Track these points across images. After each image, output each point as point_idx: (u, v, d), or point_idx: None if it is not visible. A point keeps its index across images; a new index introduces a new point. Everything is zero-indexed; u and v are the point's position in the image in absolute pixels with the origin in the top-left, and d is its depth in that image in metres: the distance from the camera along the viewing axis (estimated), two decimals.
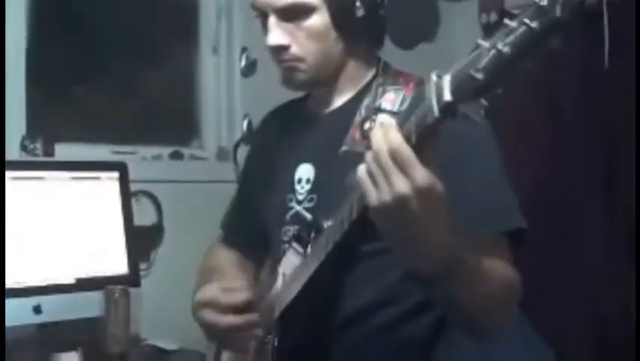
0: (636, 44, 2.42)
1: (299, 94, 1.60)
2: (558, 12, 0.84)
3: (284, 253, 1.46)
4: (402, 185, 0.98)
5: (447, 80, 0.94)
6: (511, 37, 0.87)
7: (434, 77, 0.96)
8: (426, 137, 0.99)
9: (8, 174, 1.90)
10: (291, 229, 1.47)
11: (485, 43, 0.89)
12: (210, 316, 1.45)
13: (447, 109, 0.94)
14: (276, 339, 1.47)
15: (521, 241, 1.31)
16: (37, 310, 1.90)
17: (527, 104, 2.77)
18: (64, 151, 2.31)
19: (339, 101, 1.49)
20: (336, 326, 1.42)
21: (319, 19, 1.40)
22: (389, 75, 1.45)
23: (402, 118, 1.04)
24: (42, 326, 1.94)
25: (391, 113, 1.34)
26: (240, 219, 1.72)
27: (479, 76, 0.89)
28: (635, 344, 2.36)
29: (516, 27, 0.87)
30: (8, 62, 2.26)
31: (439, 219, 1.03)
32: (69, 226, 1.99)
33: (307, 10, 1.40)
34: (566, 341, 2.39)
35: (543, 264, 2.57)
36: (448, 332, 1.42)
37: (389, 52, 1.51)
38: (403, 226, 1.03)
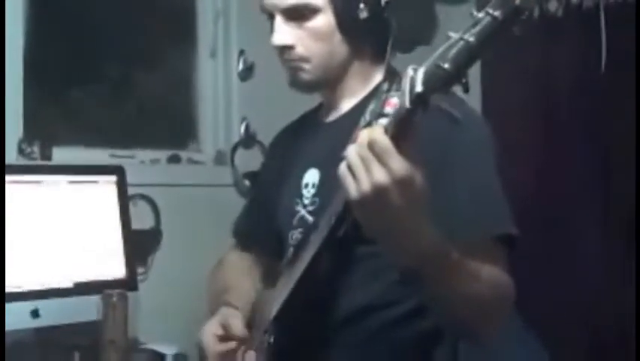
0: (636, 45, 2.43)
1: (301, 104, 1.61)
2: (518, 0, 0.88)
3: (291, 255, 1.47)
4: (380, 175, 1.00)
5: (420, 72, 0.96)
6: (477, 28, 0.91)
7: (410, 71, 0.98)
8: (402, 128, 1.01)
9: (5, 178, 1.89)
10: (298, 233, 1.48)
11: (455, 35, 0.93)
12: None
13: (418, 100, 0.96)
14: (272, 338, 1.48)
15: (513, 246, 1.31)
16: (35, 314, 1.89)
17: (524, 107, 2.78)
18: (61, 155, 2.30)
19: (346, 106, 1.50)
20: (332, 326, 1.43)
21: (324, 20, 1.41)
22: (395, 80, 1.45)
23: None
24: (40, 330, 1.94)
25: None
26: (252, 226, 1.72)
27: (447, 66, 0.93)
28: (630, 349, 2.37)
29: (482, 18, 0.91)
30: (4, 65, 2.25)
31: (419, 211, 1.05)
32: (67, 230, 1.98)
33: (312, 11, 1.41)
34: (561, 346, 2.39)
35: (539, 268, 2.58)
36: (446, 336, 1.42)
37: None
38: (382, 217, 1.04)
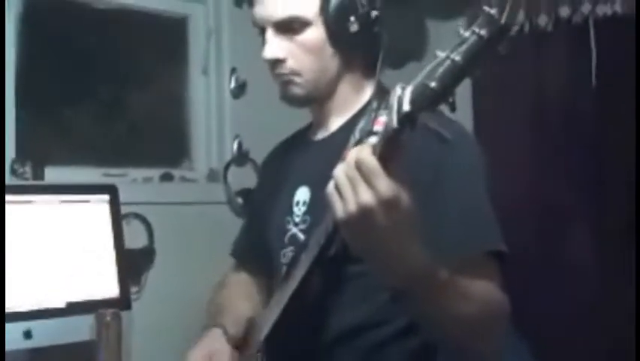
0: (636, 54, 2.44)
1: (293, 121, 1.62)
2: (504, 19, 0.89)
3: (283, 274, 1.47)
4: (366, 196, 1.01)
5: (408, 91, 0.96)
6: (463, 47, 0.92)
7: (398, 90, 0.98)
8: (390, 148, 1.01)
9: None
10: (289, 251, 1.47)
11: (442, 54, 0.94)
12: None
13: (405, 119, 0.97)
14: (264, 359, 1.47)
15: (502, 263, 1.31)
16: (28, 335, 1.88)
17: (516, 120, 2.79)
18: (53, 174, 2.30)
19: (336, 124, 1.51)
20: (323, 346, 1.42)
21: (315, 34, 1.42)
22: (384, 98, 1.46)
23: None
24: (33, 351, 1.92)
25: None
26: (250, 246, 1.72)
27: (434, 85, 0.93)
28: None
29: (468, 37, 0.92)
30: None
31: (406, 231, 1.05)
32: (59, 250, 1.97)
33: (303, 24, 1.42)
34: (555, 356, 2.40)
35: (532, 277, 2.58)
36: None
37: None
38: (369, 237, 1.04)
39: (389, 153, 1.01)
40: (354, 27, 1.40)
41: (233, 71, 2.66)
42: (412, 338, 1.38)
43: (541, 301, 2.56)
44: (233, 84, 2.66)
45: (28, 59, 2.37)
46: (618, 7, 2.52)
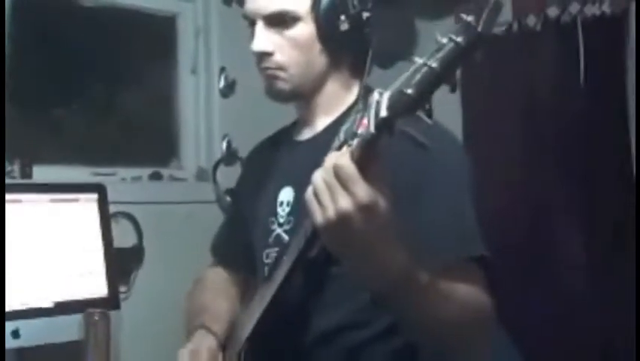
0: (636, 52, 2.45)
1: (282, 120, 1.61)
2: (480, 27, 0.90)
3: (266, 275, 1.47)
4: (344, 202, 1.01)
5: (385, 97, 0.97)
6: (440, 54, 0.92)
7: (376, 95, 0.98)
8: (367, 153, 1.01)
9: None
10: (273, 252, 1.47)
11: (420, 60, 0.94)
12: None
13: (382, 125, 0.97)
14: (246, 359, 1.47)
15: (486, 268, 1.31)
16: (16, 334, 1.87)
17: (504, 120, 2.80)
18: (42, 173, 2.29)
19: (321, 124, 1.50)
20: (305, 347, 1.42)
21: (304, 29, 1.42)
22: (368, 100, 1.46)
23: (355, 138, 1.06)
24: (21, 351, 1.92)
25: None
26: (230, 243, 1.72)
27: (410, 92, 0.93)
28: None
29: (445, 43, 0.92)
30: None
31: (385, 236, 1.06)
32: (47, 249, 1.97)
33: (293, 19, 1.42)
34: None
35: (522, 281, 2.59)
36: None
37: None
38: (348, 243, 1.05)
39: (366, 158, 1.01)
40: (344, 26, 1.41)
41: (222, 70, 2.66)
42: (395, 339, 1.38)
43: (532, 302, 2.57)
44: (222, 83, 2.66)
45: (17, 57, 2.36)
46: (606, 8, 2.53)
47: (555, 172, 2.68)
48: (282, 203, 1.49)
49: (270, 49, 1.44)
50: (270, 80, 1.46)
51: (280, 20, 1.42)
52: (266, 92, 1.49)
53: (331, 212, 1.02)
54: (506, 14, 2.74)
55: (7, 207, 1.92)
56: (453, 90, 0.96)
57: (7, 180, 2.19)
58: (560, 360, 2.54)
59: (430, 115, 0.96)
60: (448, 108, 1.43)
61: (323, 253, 1.20)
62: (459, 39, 0.91)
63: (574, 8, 2.61)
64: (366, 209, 1.01)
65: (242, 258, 1.64)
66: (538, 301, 2.59)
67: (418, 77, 0.93)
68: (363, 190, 1.01)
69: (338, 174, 1.01)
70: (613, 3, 2.52)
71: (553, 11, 2.67)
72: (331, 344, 1.41)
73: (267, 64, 1.45)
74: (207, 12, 2.72)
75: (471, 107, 2.83)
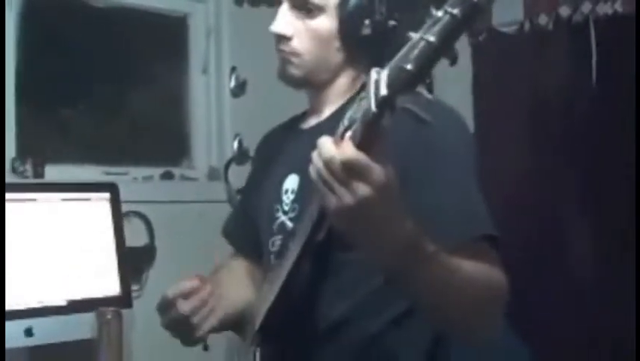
0: (636, 53, 2.44)
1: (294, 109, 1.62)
2: None
3: (272, 263, 1.47)
4: (363, 189, 1.01)
5: (384, 75, 0.96)
6: (437, 27, 0.91)
7: (374, 74, 0.98)
8: (370, 133, 1.01)
9: None
10: (278, 239, 1.47)
11: (416, 35, 0.93)
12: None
13: (383, 103, 0.96)
14: (258, 349, 1.47)
15: (496, 248, 1.30)
16: (29, 332, 1.88)
17: (515, 119, 2.79)
18: (54, 173, 2.30)
19: (326, 113, 1.50)
20: (316, 336, 1.42)
21: (326, 23, 1.41)
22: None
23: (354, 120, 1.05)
24: (34, 349, 1.93)
25: None
26: (239, 228, 1.72)
27: (409, 67, 0.92)
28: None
29: (441, 16, 0.91)
30: None
31: (395, 209, 1.05)
32: (60, 248, 1.98)
33: (318, 9, 1.41)
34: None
35: (532, 274, 2.58)
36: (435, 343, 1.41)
37: None
38: (365, 225, 1.05)
39: (370, 138, 1.01)
40: (366, 30, 1.40)
41: (233, 69, 2.66)
42: (405, 327, 1.38)
43: (541, 299, 2.56)
44: (233, 83, 2.66)
45: (29, 57, 2.37)
46: (619, 7, 2.52)
47: (565, 172, 2.68)
48: (286, 191, 1.49)
49: (289, 33, 1.43)
50: (284, 63, 1.46)
51: (306, 7, 1.42)
52: (278, 74, 1.48)
53: (349, 198, 1.02)
54: (518, 13, 2.74)
55: (20, 206, 1.93)
56: (453, 63, 0.95)
57: (20, 180, 2.21)
58: (570, 358, 2.54)
59: (430, 90, 0.95)
60: (458, 107, 1.43)
61: (330, 239, 1.20)
62: (455, 11, 0.90)
63: (586, 7, 2.61)
64: (384, 190, 1.01)
65: (252, 243, 1.64)
66: (547, 298, 2.59)
67: (415, 52, 0.92)
68: (379, 173, 1.01)
69: (351, 168, 1.01)
70: (625, 2, 2.51)
71: (565, 10, 2.66)
72: (342, 333, 1.40)
73: (283, 47, 1.45)
74: (218, 12, 2.73)
75: (482, 105, 2.83)
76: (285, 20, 1.44)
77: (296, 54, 1.44)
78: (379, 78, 0.97)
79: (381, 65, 1.43)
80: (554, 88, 2.71)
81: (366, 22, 1.39)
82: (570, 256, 2.64)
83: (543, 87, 2.74)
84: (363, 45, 1.41)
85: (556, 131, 2.71)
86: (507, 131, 2.78)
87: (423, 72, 0.93)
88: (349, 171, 1.01)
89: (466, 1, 0.89)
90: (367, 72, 1.47)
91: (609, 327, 2.50)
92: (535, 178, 2.74)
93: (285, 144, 1.58)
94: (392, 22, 1.40)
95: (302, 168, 1.45)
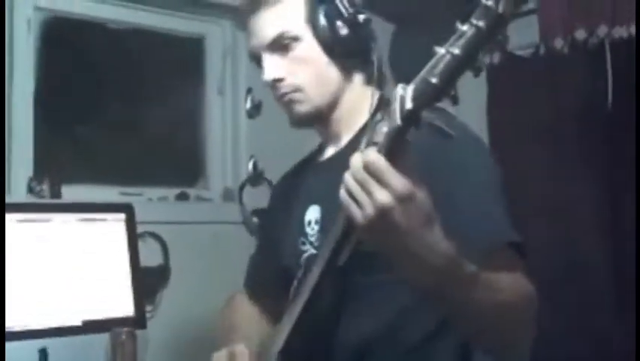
0: (636, 58, 2.44)
1: (308, 141, 1.62)
2: (501, 9, 0.90)
3: (296, 289, 1.47)
4: (381, 195, 1.00)
5: (410, 90, 0.97)
6: (462, 40, 0.92)
7: (400, 90, 0.99)
8: (395, 147, 1.01)
9: (15, 216, 1.90)
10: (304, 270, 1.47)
11: (441, 50, 0.94)
12: None
13: (408, 117, 0.97)
14: None
15: (522, 255, 1.30)
16: (44, 353, 1.88)
17: (532, 143, 2.78)
18: (70, 193, 2.32)
19: (342, 141, 1.51)
20: (337, 359, 1.41)
21: (307, 46, 1.43)
22: (387, 110, 1.46)
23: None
24: None
25: None
26: (263, 274, 1.71)
27: (434, 80, 0.94)
28: None
29: (466, 30, 0.92)
30: (15, 104, 2.28)
31: (427, 225, 1.04)
32: (75, 268, 1.98)
33: (293, 39, 1.44)
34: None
35: (548, 289, 2.56)
36: None
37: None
38: (392, 237, 1.04)
39: (394, 152, 1.01)
40: (343, 31, 1.42)
41: (249, 91, 2.67)
42: (425, 351, 1.38)
43: (556, 308, 2.54)
44: (248, 104, 2.67)
45: (47, 78, 2.40)
46: (634, 30, 2.52)
47: (581, 194, 2.66)
48: (309, 222, 1.49)
49: (280, 75, 1.45)
50: (289, 106, 1.47)
51: (281, 44, 1.44)
52: (290, 122, 1.50)
53: (370, 208, 1.01)
54: (533, 36, 2.74)
55: (36, 226, 1.94)
56: (477, 75, 0.96)
57: (37, 200, 2.22)
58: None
59: (455, 101, 0.96)
60: (474, 125, 1.43)
61: (355, 261, 1.20)
62: (480, 23, 0.91)
63: (602, 31, 2.60)
64: (404, 199, 1.01)
65: (274, 290, 1.63)
66: (563, 306, 2.57)
67: (441, 65, 0.93)
68: (398, 181, 1.00)
69: (369, 169, 1.01)
70: None
71: (580, 34, 2.65)
72: (364, 355, 1.40)
73: (282, 90, 1.46)
74: (234, 34, 2.74)
75: (497, 129, 2.82)
76: (272, 65, 1.45)
77: (296, 89, 1.45)
78: (405, 93, 0.98)
79: (373, 70, 1.44)
80: (570, 111, 2.71)
81: (339, 23, 1.41)
82: (585, 270, 2.62)
83: (558, 110, 2.73)
84: (348, 49, 1.43)
85: (571, 154, 2.70)
86: (523, 153, 2.77)
87: (448, 85, 0.95)
88: (370, 174, 1.01)
89: (491, 13, 0.90)
90: (366, 83, 1.49)
91: (625, 335, 2.48)
92: (550, 202, 2.73)
93: (304, 179, 1.59)
94: (362, 16, 1.43)
95: (323, 199, 1.46)
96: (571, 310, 2.59)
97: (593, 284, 2.60)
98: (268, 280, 1.68)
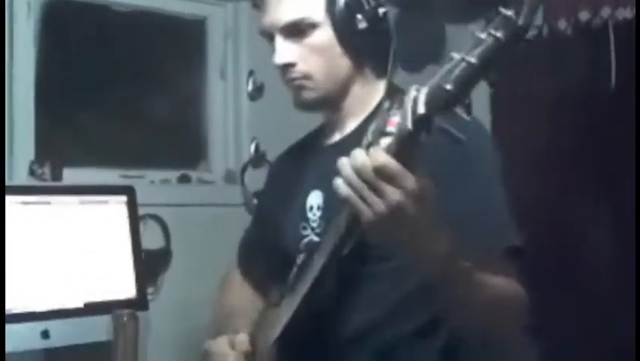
0: (636, 54, 2.43)
1: (310, 124, 1.61)
2: (521, 21, 0.89)
3: (295, 276, 1.47)
4: (396, 196, 1.01)
5: (423, 93, 0.96)
6: (479, 49, 0.91)
7: (413, 91, 0.98)
8: (404, 150, 1.01)
9: (16, 198, 1.90)
10: (304, 256, 1.47)
11: (457, 56, 0.93)
12: None
13: (420, 121, 0.97)
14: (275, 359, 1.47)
15: (520, 258, 1.31)
16: (45, 335, 1.89)
17: (534, 124, 2.78)
18: (72, 175, 2.31)
19: (348, 127, 1.50)
20: (334, 348, 1.42)
21: (323, 35, 1.42)
22: (396, 98, 1.45)
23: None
24: (50, 351, 1.93)
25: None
26: (257, 254, 1.72)
27: (449, 87, 0.93)
28: None
29: (484, 39, 0.91)
30: (17, 87, 2.27)
31: (432, 220, 1.06)
32: (77, 251, 1.98)
33: (310, 26, 1.42)
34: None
35: (546, 280, 2.56)
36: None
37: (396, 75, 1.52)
38: (402, 233, 1.05)
39: (404, 154, 1.01)
40: (362, 24, 1.40)
41: (250, 73, 2.66)
42: (426, 338, 1.38)
43: (556, 302, 2.55)
44: (250, 87, 2.66)
45: (48, 61, 2.39)
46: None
47: (584, 178, 2.66)
48: (311, 207, 1.49)
49: (292, 59, 1.43)
50: (297, 90, 1.46)
51: (297, 30, 1.42)
52: (294, 104, 1.48)
53: (382, 207, 1.02)
54: (537, 18, 2.72)
55: (38, 208, 1.94)
56: (492, 86, 0.96)
57: (38, 182, 2.22)
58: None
59: (469, 111, 0.95)
60: (476, 113, 1.42)
61: (354, 252, 1.20)
62: (499, 34, 0.90)
63: (605, 12, 2.59)
64: (418, 197, 1.01)
65: (269, 269, 1.64)
66: (562, 301, 2.57)
67: (456, 72, 0.93)
68: (412, 180, 1.01)
69: (382, 172, 1.01)
70: None
71: (584, 15, 2.64)
72: (361, 346, 1.40)
73: (292, 75, 1.45)
74: (237, 16, 2.73)
75: (501, 111, 2.81)
76: (284, 49, 1.44)
77: (306, 77, 1.44)
78: (418, 96, 0.97)
79: (387, 64, 1.43)
80: (573, 92, 2.70)
81: (359, 16, 1.40)
82: (587, 260, 2.62)
83: (562, 92, 2.73)
84: (363, 42, 1.42)
85: (575, 135, 2.69)
86: (526, 136, 2.77)
87: (462, 93, 0.94)
88: (381, 176, 1.01)
89: (511, 25, 0.89)
90: (378, 78, 1.48)
91: (626, 331, 2.48)
92: (553, 181, 2.72)
93: (305, 162, 1.58)
94: (382, 9, 1.41)
95: (325, 184, 1.45)
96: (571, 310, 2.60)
97: (595, 272, 2.61)
98: (260, 257, 1.68)
